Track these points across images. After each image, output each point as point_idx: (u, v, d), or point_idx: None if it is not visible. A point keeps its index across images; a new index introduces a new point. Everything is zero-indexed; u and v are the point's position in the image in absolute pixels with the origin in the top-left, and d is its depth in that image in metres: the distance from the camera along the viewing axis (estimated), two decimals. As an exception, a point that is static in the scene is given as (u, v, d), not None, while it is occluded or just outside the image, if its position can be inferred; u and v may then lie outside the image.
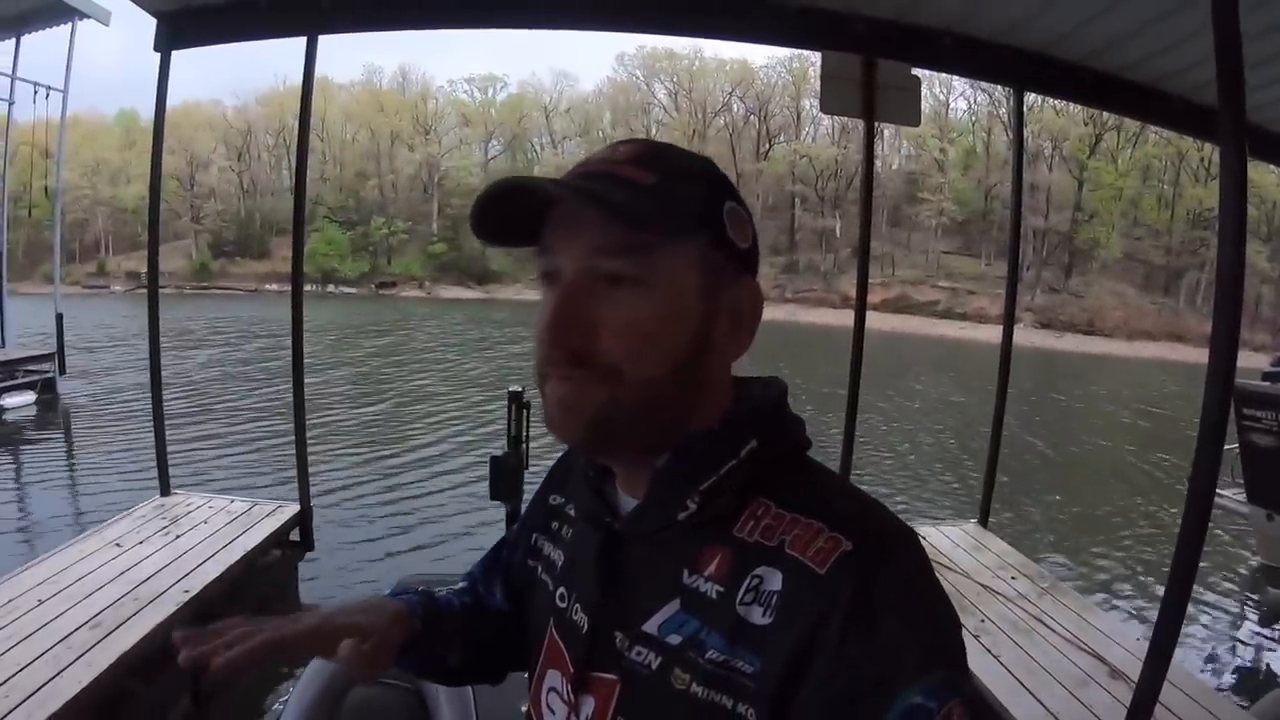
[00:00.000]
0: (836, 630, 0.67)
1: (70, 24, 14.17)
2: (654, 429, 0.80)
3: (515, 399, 5.06)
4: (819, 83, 5.76)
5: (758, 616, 0.72)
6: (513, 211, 0.80)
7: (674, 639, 0.76)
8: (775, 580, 0.72)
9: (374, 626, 0.91)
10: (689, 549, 0.79)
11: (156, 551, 5.01)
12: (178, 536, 5.29)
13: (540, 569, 1.00)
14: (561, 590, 0.92)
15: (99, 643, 3.89)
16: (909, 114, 5.91)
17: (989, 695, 3.99)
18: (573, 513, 0.98)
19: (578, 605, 0.88)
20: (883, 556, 0.71)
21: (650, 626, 0.79)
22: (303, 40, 5.59)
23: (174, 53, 5.61)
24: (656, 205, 0.75)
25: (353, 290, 53.89)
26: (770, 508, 0.77)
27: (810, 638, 0.68)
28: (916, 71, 5.76)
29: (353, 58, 63.70)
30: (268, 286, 54.49)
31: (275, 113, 63.08)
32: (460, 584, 1.15)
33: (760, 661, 0.70)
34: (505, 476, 5.10)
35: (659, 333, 0.77)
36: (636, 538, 0.83)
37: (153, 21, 5.48)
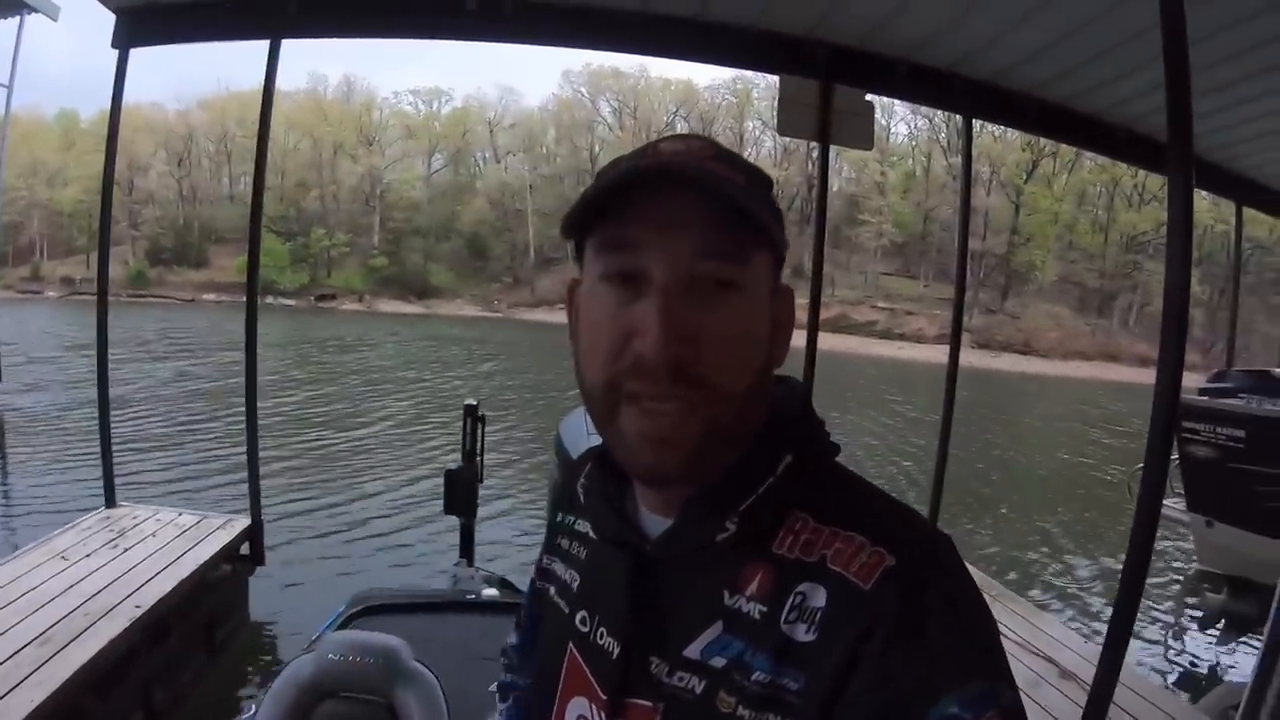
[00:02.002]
0: (880, 644, 0.66)
1: (18, 18, 13.41)
2: (737, 447, 0.77)
3: (470, 413, 5.05)
4: (774, 105, 5.83)
5: (801, 634, 0.70)
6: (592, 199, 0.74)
7: (718, 662, 0.74)
8: (819, 597, 0.71)
9: None
10: (728, 569, 0.76)
11: (105, 565, 4.85)
12: (126, 549, 5.12)
13: (553, 590, 0.97)
14: (582, 614, 0.89)
15: (50, 659, 3.74)
16: (862, 138, 5.99)
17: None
18: (583, 530, 0.94)
19: (603, 629, 0.84)
20: (926, 569, 0.70)
21: (692, 651, 0.76)
22: (252, 45, 5.50)
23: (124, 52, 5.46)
24: (761, 208, 0.73)
25: (291, 302, 52.89)
26: (808, 522, 0.75)
27: (854, 652, 0.67)
28: (870, 97, 5.86)
29: (297, 65, 62.89)
30: (205, 296, 53.47)
31: (218, 118, 62.15)
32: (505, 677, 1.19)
33: (805, 678, 0.69)
34: (460, 490, 5.09)
35: (752, 343, 0.75)
36: (669, 559, 0.81)
37: (102, 21, 5.34)
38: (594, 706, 0.84)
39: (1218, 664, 7.32)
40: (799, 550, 0.74)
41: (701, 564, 0.78)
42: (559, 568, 0.97)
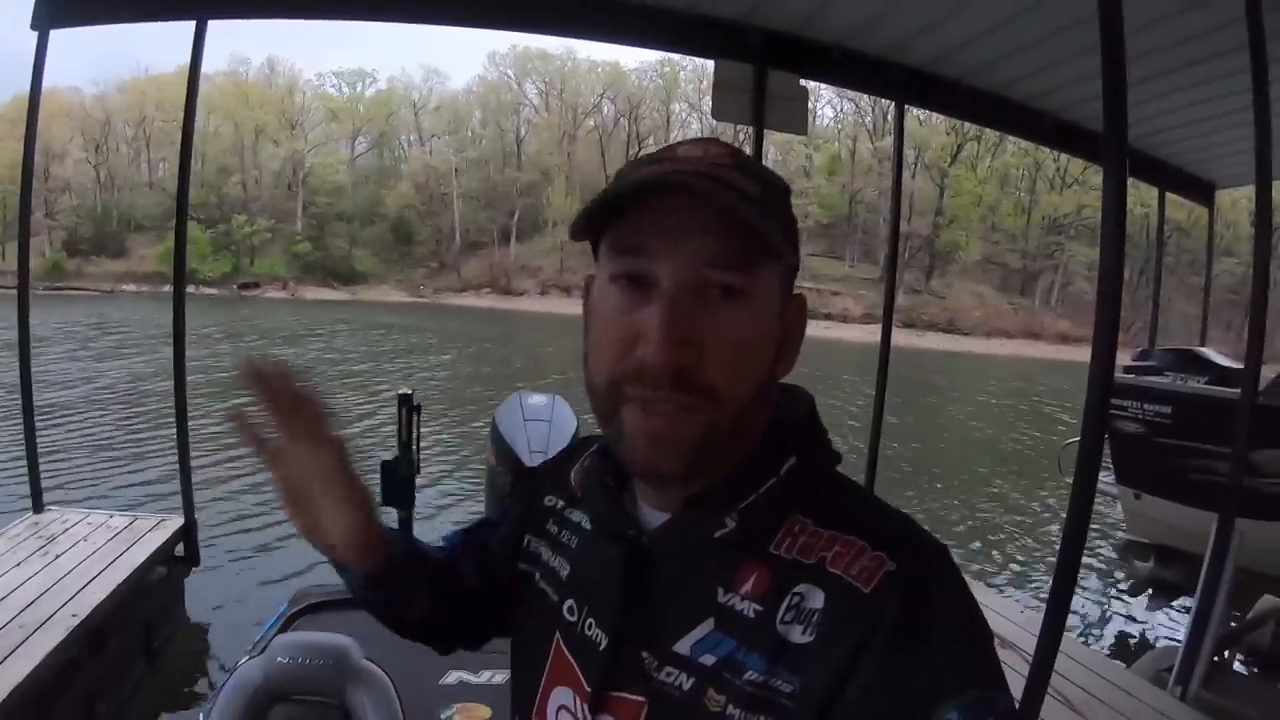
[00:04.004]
0: (879, 649, 0.67)
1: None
2: (739, 452, 0.77)
3: (405, 402, 4.97)
4: (702, 89, 5.87)
5: (798, 635, 0.70)
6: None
7: (708, 659, 0.74)
8: (817, 598, 0.71)
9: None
10: (723, 566, 0.76)
11: (37, 573, 4.65)
12: (57, 556, 4.93)
13: (539, 575, 0.94)
14: (570, 603, 0.88)
15: None
16: (797, 123, 6.01)
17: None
18: (576, 519, 0.94)
19: (591, 620, 0.84)
20: (926, 576, 0.71)
21: (682, 647, 0.76)
22: (172, 26, 5.36)
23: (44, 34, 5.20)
24: (772, 219, 0.72)
25: (214, 291, 51.19)
26: (808, 525, 0.75)
27: (854, 657, 0.67)
28: (804, 83, 5.89)
29: (218, 46, 61.08)
30: (124, 287, 51.79)
31: (136, 102, 60.35)
32: (439, 543, 1.09)
33: (800, 681, 0.69)
34: (396, 482, 5.01)
35: (756, 351, 0.75)
36: (665, 554, 0.80)
37: (18, 1, 5.13)
38: (577, 698, 0.83)
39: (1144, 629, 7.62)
40: (797, 551, 0.74)
41: (697, 560, 0.78)
42: (546, 553, 0.95)
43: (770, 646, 0.71)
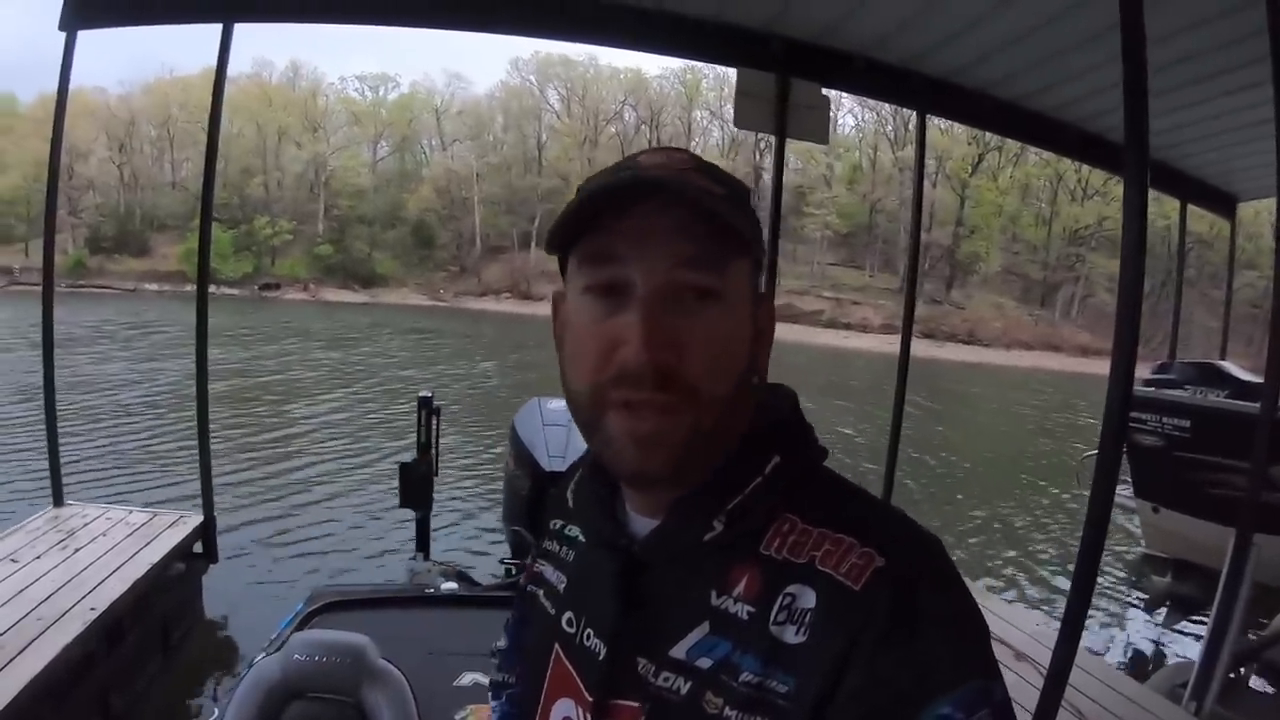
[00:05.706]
0: (871, 645, 0.67)
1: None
2: (722, 450, 0.78)
3: (424, 405, 5.00)
4: (723, 96, 5.86)
5: (791, 636, 0.71)
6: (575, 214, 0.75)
7: (704, 663, 0.74)
8: (808, 598, 0.71)
9: None
10: (715, 569, 0.77)
11: (55, 567, 4.69)
12: (76, 550, 4.97)
13: (542, 594, 0.96)
14: (568, 615, 0.89)
15: (4, 668, 3.61)
16: (819, 132, 6.03)
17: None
18: (573, 534, 0.95)
19: (589, 630, 0.84)
20: (916, 570, 0.71)
21: (678, 652, 0.76)
22: (198, 28, 5.40)
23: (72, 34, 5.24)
24: (738, 218, 0.74)
25: (234, 292, 50.98)
26: (796, 523, 0.76)
27: (845, 655, 0.67)
28: (826, 92, 5.89)
29: (242, 49, 61.22)
30: (146, 285, 52.02)
31: (160, 103, 60.66)
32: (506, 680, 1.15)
33: (795, 681, 0.70)
34: (415, 484, 5.03)
35: (731, 349, 0.76)
36: (657, 560, 0.81)
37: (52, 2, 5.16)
38: (579, 708, 0.84)
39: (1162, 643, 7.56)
40: (787, 551, 0.74)
41: (689, 565, 0.79)
42: (548, 571, 0.97)
43: (765, 648, 0.72)
